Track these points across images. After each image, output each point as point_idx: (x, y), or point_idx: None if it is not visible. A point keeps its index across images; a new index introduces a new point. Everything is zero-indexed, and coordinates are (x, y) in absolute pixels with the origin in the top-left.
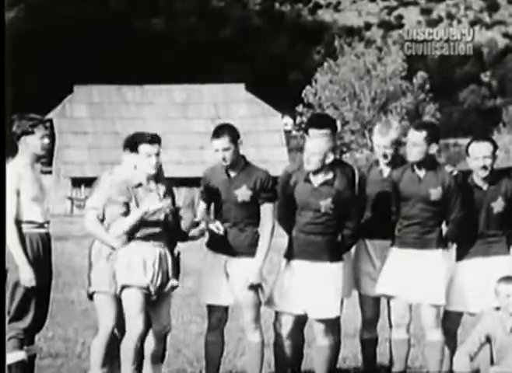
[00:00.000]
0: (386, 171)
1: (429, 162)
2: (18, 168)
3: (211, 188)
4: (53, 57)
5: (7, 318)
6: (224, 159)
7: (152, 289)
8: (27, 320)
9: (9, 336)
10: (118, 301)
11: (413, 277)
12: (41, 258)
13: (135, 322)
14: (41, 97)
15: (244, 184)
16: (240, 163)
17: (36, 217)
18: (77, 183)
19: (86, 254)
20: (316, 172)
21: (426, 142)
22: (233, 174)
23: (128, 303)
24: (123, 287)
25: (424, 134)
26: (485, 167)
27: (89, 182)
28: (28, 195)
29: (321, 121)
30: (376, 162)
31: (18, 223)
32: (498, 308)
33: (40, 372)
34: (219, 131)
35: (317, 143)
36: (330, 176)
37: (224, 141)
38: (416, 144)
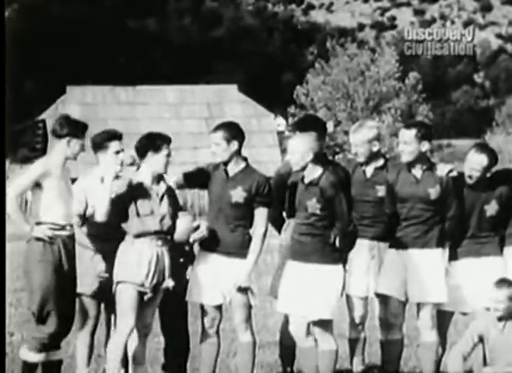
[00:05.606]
0: (369, 171)
1: (423, 161)
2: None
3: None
4: (45, 57)
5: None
6: (213, 153)
7: (147, 286)
8: (52, 325)
9: (34, 337)
10: (98, 301)
11: (413, 276)
12: (63, 263)
13: (126, 319)
14: (34, 97)
15: (240, 186)
16: (239, 164)
17: (57, 218)
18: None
19: None
20: (305, 173)
21: (417, 140)
22: (231, 174)
23: (121, 299)
24: (117, 283)
25: (414, 131)
26: (469, 177)
27: None
28: (53, 192)
29: (304, 125)
30: (360, 163)
31: (38, 224)
32: (489, 309)
33: None
34: (216, 126)
35: (295, 142)
36: (316, 174)
37: (217, 136)
38: (407, 142)
